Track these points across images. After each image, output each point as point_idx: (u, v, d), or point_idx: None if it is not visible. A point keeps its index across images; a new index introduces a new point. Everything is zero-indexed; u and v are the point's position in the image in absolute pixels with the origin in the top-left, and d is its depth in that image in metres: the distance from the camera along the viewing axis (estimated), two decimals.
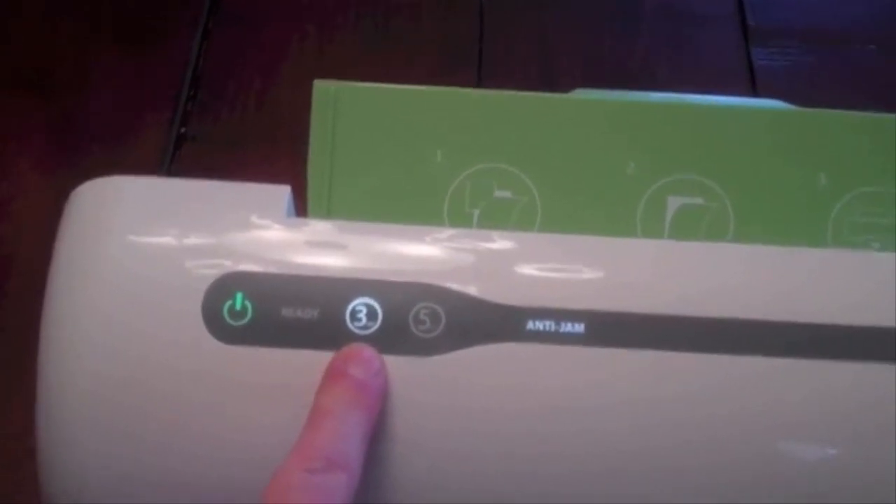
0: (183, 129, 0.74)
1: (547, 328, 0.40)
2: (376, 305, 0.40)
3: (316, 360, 0.40)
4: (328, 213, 0.45)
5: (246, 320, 0.40)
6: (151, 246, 0.41)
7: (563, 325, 0.40)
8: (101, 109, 0.75)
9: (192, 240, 0.41)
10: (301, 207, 0.45)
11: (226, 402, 0.40)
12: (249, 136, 0.74)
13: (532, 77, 0.74)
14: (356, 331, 0.40)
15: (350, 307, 0.40)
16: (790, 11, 0.77)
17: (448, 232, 0.43)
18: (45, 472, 0.40)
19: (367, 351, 0.39)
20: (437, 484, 0.39)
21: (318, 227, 0.42)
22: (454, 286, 0.40)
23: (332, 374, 0.39)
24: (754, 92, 0.72)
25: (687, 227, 0.45)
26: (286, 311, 0.40)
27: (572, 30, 0.77)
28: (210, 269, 0.40)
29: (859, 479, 0.39)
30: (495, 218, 0.45)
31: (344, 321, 0.40)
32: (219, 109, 0.75)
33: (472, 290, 0.40)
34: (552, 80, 0.73)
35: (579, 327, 0.40)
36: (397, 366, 0.39)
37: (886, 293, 0.41)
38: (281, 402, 0.40)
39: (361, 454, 0.37)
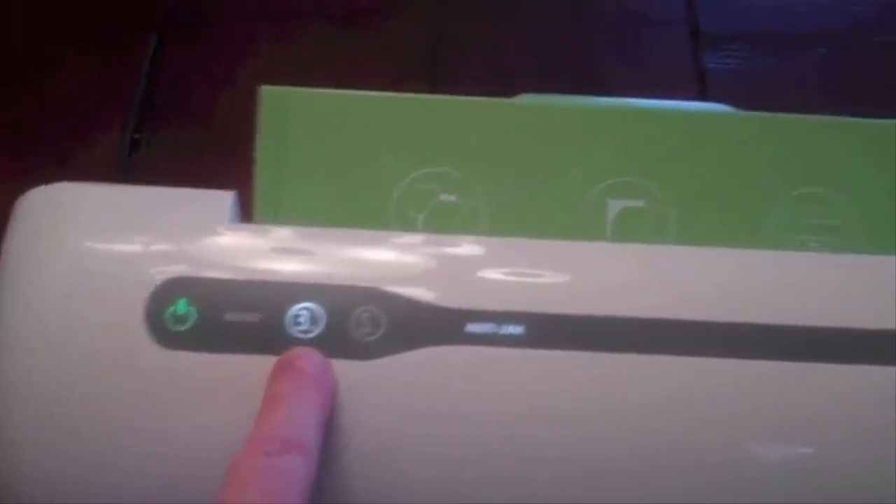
0: (137, 135, 0.74)
1: (487, 331, 0.40)
2: (318, 309, 0.40)
3: (258, 365, 0.40)
4: (275, 218, 0.45)
5: (189, 325, 0.40)
6: (95, 252, 0.41)
7: (502, 327, 0.40)
8: (55, 114, 0.75)
9: (136, 246, 0.41)
10: (249, 213, 0.45)
11: (170, 408, 0.40)
12: (204, 142, 0.74)
13: (485, 82, 0.75)
14: (298, 335, 0.40)
15: (291, 311, 0.40)
16: (740, 16, 0.78)
17: (392, 236, 0.43)
18: None
19: (311, 350, 0.40)
20: (380, 487, 0.39)
21: (261, 232, 0.42)
22: (395, 289, 0.41)
23: (281, 367, 0.39)
24: (704, 95, 0.73)
25: (629, 230, 0.45)
26: (229, 316, 0.40)
27: (525, 35, 0.77)
28: (153, 275, 0.41)
29: (806, 483, 0.40)
30: (441, 222, 0.45)
31: (285, 325, 0.40)
32: (173, 115, 0.75)
33: (412, 293, 0.40)
34: (505, 85, 0.73)
35: (519, 329, 0.40)
36: (339, 370, 0.40)
37: (823, 294, 0.42)
38: (224, 406, 0.40)
39: (318, 438, 0.37)
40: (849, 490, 0.40)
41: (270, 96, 0.46)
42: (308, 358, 0.39)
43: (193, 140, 0.74)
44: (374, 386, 0.40)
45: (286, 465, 0.36)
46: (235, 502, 0.35)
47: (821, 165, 0.46)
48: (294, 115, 0.46)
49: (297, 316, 0.40)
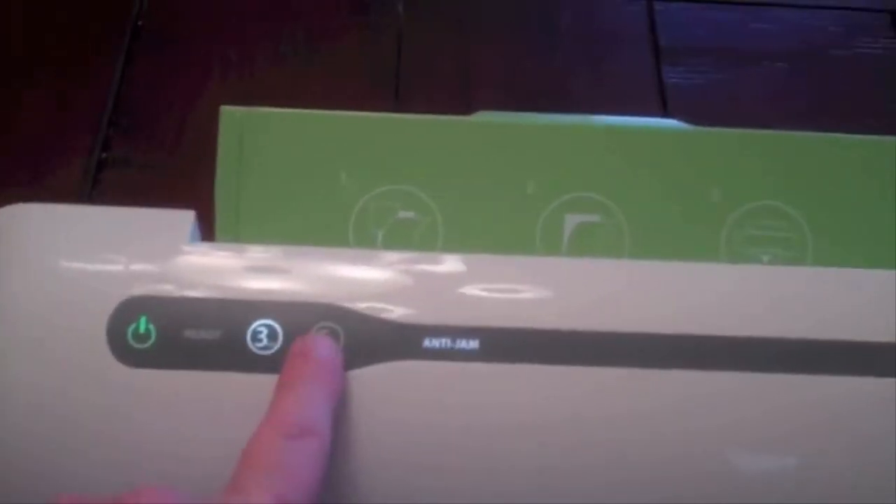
0: (104, 155, 0.74)
1: (443, 345, 0.41)
2: (276, 326, 0.41)
3: (220, 381, 0.40)
4: (236, 237, 0.46)
5: (150, 343, 0.41)
6: (57, 271, 0.42)
7: (458, 341, 0.41)
8: (21, 135, 0.75)
9: (97, 265, 0.42)
10: (210, 233, 0.46)
11: (132, 425, 0.40)
12: (172, 161, 0.74)
13: (450, 98, 0.75)
14: (258, 351, 0.41)
15: (251, 328, 0.41)
16: (701, 31, 0.79)
17: (350, 253, 0.44)
18: None
19: (322, 337, 0.41)
20: (338, 498, 0.40)
21: (220, 251, 0.43)
22: (353, 305, 0.41)
23: (293, 356, 0.40)
24: (665, 110, 0.74)
25: (584, 244, 0.46)
26: (189, 334, 0.41)
27: (490, 52, 0.78)
28: (114, 294, 0.41)
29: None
30: (399, 238, 0.46)
31: (245, 342, 0.41)
32: (141, 134, 0.75)
33: (370, 308, 0.41)
34: (470, 101, 0.74)
35: (474, 343, 0.41)
36: None
37: (774, 305, 0.43)
38: (185, 423, 0.40)
39: (330, 424, 0.38)
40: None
41: (230, 116, 0.47)
42: (320, 345, 0.40)
43: (160, 160, 0.75)
44: None
45: (305, 449, 0.37)
46: (256, 482, 0.35)
47: (773, 179, 0.47)
48: (253, 135, 0.47)
49: (256, 332, 0.41)
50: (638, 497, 0.40)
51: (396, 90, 0.77)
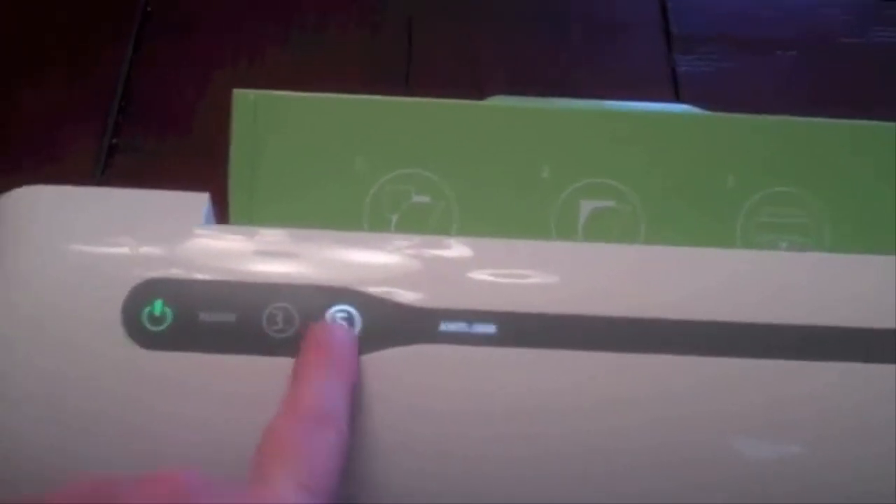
0: (114, 140, 0.74)
1: (460, 329, 0.41)
2: (292, 309, 0.41)
3: (234, 365, 0.40)
4: (250, 220, 0.46)
5: (165, 326, 0.41)
6: (72, 253, 0.42)
7: (475, 326, 0.41)
8: (32, 121, 0.75)
9: (112, 247, 0.42)
10: (224, 215, 0.46)
11: (147, 407, 0.40)
12: (181, 147, 0.74)
13: (460, 86, 0.75)
14: (274, 335, 0.40)
15: (267, 311, 0.41)
16: (712, 18, 0.79)
17: (366, 236, 0.43)
18: None
19: (338, 326, 0.40)
20: (354, 485, 0.40)
21: (235, 233, 0.43)
22: (369, 289, 0.41)
23: (309, 344, 0.40)
24: (676, 98, 0.73)
25: (599, 230, 0.46)
26: (204, 317, 0.41)
27: (500, 39, 0.78)
28: (129, 276, 0.41)
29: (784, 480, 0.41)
30: (414, 222, 0.46)
31: (261, 325, 0.40)
32: (150, 120, 0.75)
33: (386, 292, 0.41)
34: (480, 88, 0.74)
35: (491, 328, 0.41)
36: None
37: (790, 292, 0.42)
38: (201, 405, 0.40)
39: (348, 414, 0.38)
40: (845, 488, 0.40)
41: (243, 100, 0.47)
42: (336, 333, 0.40)
43: (171, 145, 0.74)
44: None
45: (325, 436, 0.37)
46: (279, 470, 0.35)
47: (789, 165, 0.47)
48: (267, 118, 0.47)
49: (272, 316, 0.41)
50: (658, 483, 0.40)
51: (406, 77, 0.77)
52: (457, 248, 0.43)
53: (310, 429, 0.37)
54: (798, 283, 0.43)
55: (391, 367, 0.40)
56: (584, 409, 0.40)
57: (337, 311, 0.41)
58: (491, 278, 0.42)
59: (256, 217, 0.46)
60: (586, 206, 0.46)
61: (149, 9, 0.81)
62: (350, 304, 0.41)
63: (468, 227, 0.46)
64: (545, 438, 0.40)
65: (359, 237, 0.43)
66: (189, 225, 0.42)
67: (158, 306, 0.41)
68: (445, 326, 0.40)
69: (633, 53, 0.77)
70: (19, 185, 0.44)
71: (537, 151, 0.47)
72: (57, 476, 0.40)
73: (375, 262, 0.42)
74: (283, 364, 0.40)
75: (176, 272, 0.41)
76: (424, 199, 0.46)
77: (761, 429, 0.40)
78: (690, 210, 0.46)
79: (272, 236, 0.43)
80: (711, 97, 0.70)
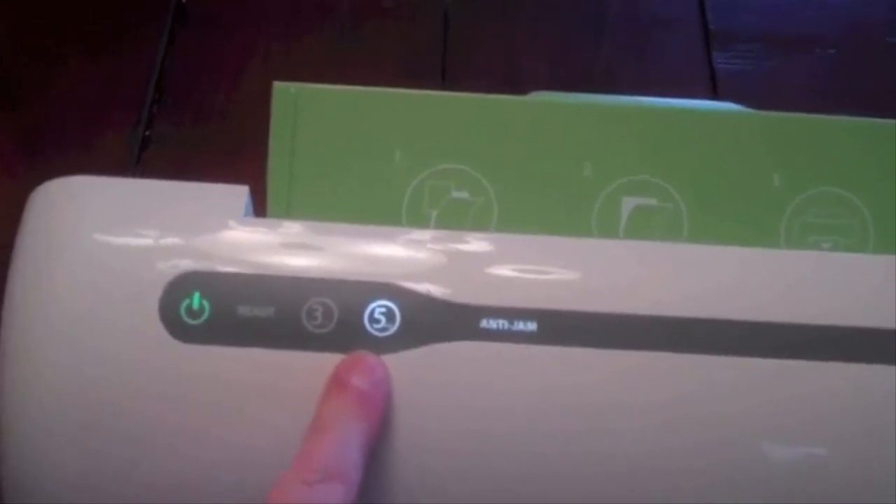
0: (148, 132, 0.74)
1: (500, 327, 0.40)
2: (331, 304, 0.40)
3: (272, 359, 0.40)
4: (287, 214, 0.45)
5: (203, 319, 0.40)
6: (110, 245, 0.41)
7: (515, 323, 0.40)
8: (66, 113, 0.75)
9: (151, 239, 0.42)
10: (261, 208, 0.45)
11: (184, 400, 0.40)
12: (214, 139, 0.74)
13: (496, 81, 0.75)
14: (312, 329, 0.40)
15: (306, 306, 0.40)
16: (751, 16, 0.78)
17: (405, 232, 0.43)
18: (6, 468, 0.40)
19: (371, 359, 0.40)
20: (393, 482, 0.40)
21: (275, 227, 0.42)
22: (409, 285, 0.41)
23: (335, 385, 0.39)
24: (715, 95, 0.73)
25: (642, 228, 0.45)
26: (243, 310, 0.40)
27: (536, 35, 0.77)
28: (168, 269, 0.41)
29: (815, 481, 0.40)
30: (452, 218, 0.46)
31: (300, 320, 0.40)
32: (184, 113, 0.75)
33: (427, 288, 0.41)
34: (516, 84, 0.73)
35: (532, 325, 0.40)
36: None
37: (835, 293, 0.42)
38: (237, 399, 0.40)
39: (360, 465, 0.37)
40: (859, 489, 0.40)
41: (283, 93, 0.46)
42: (364, 371, 0.39)
43: (204, 138, 0.74)
44: None
45: (325, 494, 0.36)
46: None
47: (834, 165, 0.46)
48: (306, 112, 0.46)
49: (311, 310, 0.40)
50: (706, 482, 0.39)
51: (443, 73, 0.76)
52: (497, 245, 0.42)
53: (311, 486, 0.36)
54: (842, 284, 0.42)
55: (430, 363, 0.40)
56: (625, 408, 0.40)
57: (376, 307, 0.40)
58: (532, 276, 0.41)
59: (295, 210, 0.45)
60: (628, 204, 0.46)
61: (183, 1, 0.81)
62: (390, 299, 0.40)
63: (507, 223, 0.45)
64: (585, 437, 0.39)
65: (399, 232, 0.43)
66: (228, 218, 0.42)
67: (197, 299, 0.40)
68: (486, 323, 0.40)
69: (670, 51, 0.77)
70: (53, 176, 0.44)
71: (579, 148, 0.46)
72: (93, 466, 0.40)
73: (415, 257, 0.42)
74: (321, 359, 0.40)
75: (214, 265, 0.41)
76: (464, 194, 0.46)
77: (818, 430, 0.40)
78: (734, 209, 0.46)
79: (311, 230, 0.42)
80: (750, 95, 0.69)
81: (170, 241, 0.41)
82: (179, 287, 0.40)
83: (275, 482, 0.36)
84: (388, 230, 0.43)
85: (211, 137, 0.74)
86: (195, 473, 0.40)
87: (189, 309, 0.40)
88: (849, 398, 0.40)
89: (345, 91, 0.47)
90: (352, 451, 0.37)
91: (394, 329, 0.40)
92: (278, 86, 0.46)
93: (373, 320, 0.40)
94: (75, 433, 0.40)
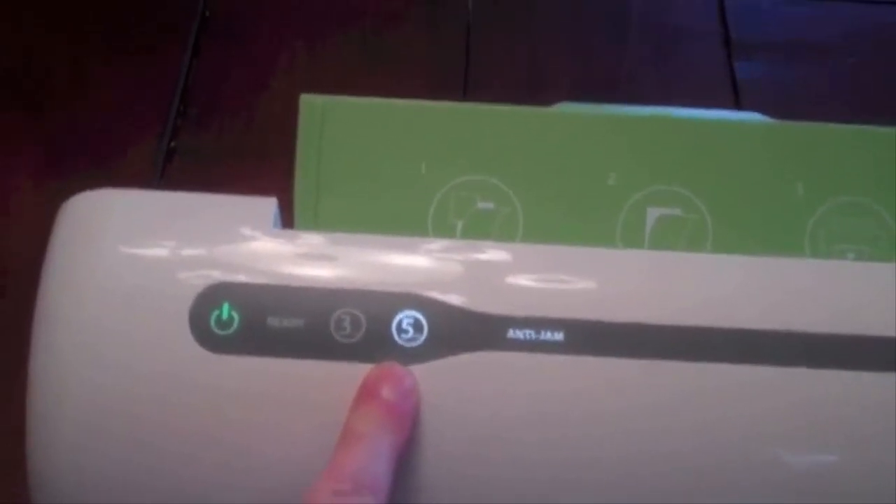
0: (173, 144, 0.74)
1: (527, 336, 0.40)
2: (360, 315, 0.41)
3: (301, 369, 0.40)
4: (315, 225, 0.46)
5: (232, 330, 0.41)
6: (140, 257, 0.42)
7: (543, 333, 0.40)
8: (91, 124, 0.75)
9: (180, 251, 0.42)
10: (288, 219, 0.46)
11: (213, 410, 0.40)
12: (239, 150, 0.74)
13: (519, 92, 0.75)
14: (341, 340, 0.40)
15: (334, 317, 0.41)
16: (772, 26, 0.78)
17: (432, 242, 0.43)
18: (35, 477, 0.41)
19: (400, 370, 0.40)
20: (421, 489, 0.40)
21: (303, 239, 0.43)
22: (436, 295, 0.41)
23: (364, 396, 0.39)
24: (737, 105, 0.73)
25: (666, 238, 0.46)
26: (272, 321, 0.41)
27: (559, 46, 0.78)
28: (197, 280, 0.41)
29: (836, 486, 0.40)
30: (478, 229, 0.46)
31: (328, 330, 0.40)
32: (208, 124, 0.76)
33: (454, 299, 0.41)
34: (539, 95, 0.74)
35: (559, 335, 0.40)
36: None
37: (870, 303, 0.42)
38: (267, 409, 0.40)
39: (390, 476, 0.38)
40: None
41: (310, 105, 0.47)
42: (393, 382, 0.39)
43: (228, 149, 0.75)
44: None
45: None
46: None
47: (858, 175, 0.46)
48: (333, 124, 0.47)
49: (340, 321, 0.41)
50: (729, 487, 0.39)
51: (465, 83, 0.77)
52: (523, 255, 0.43)
53: (342, 497, 0.36)
54: (867, 293, 0.42)
55: (457, 373, 0.40)
56: (652, 418, 0.40)
57: (404, 317, 0.41)
58: (558, 286, 0.42)
59: (322, 222, 0.46)
60: (653, 214, 0.46)
61: (206, 13, 0.82)
62: (417, 310, 0.41)
63: (533, 234, 0.46)
64: (613, 447, 0.40)
65: (425, 243, 0.43)
66: (258, 229, 0.42)
67: (226, 310, 0.41)
68: (513, 333, 0.40)
69: (693, 60, 0.77)
70: (78, 188, 0.45)
71: (604, 158, 0.46)
72: (123, 475, 0.40)
73: (442, 268, 0.42)
74: (350, 369, 0.40)
75: (244, 276, 0.41)
76: (489, 205, 0.46)
77: (846, 440, 0.40)
78: (758, 219, 0.46)
79: (339, 241, 0.43)
80: (771, 104, 0.70)
81: (199, 252, 0.42)
82: (209, 298, 0.41)
83: (305, 493, 0.36)
84: (415, 241, 0.43)
85: (234, 148, 0.75)
86: (225, 484, 0.40)
87: (219, 320, 0.41)
88: (889, 409, 0.40)
89: (371, 103, 0.47)
90: (382, 462, 0.38)
91: (421, 339, 0.40)
92: (305, 98, 0.47)
93: (401, 331, 0.40)
94: (105, 445, 0.40)
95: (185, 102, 0.77)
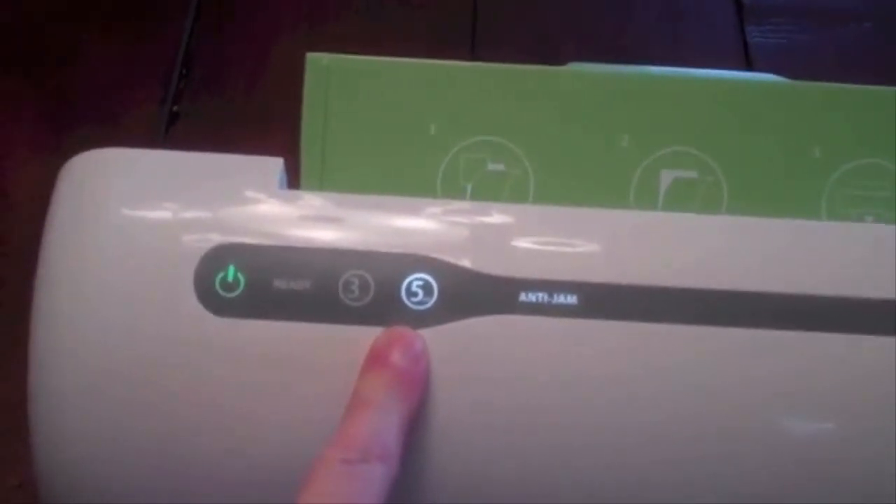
0: (175, 107, 0.73)
1: (540, 300, 0.39)
2: (368, 277, 0.40)
3: (308, 332, 0.39)
4: (321, 186, 0.45)
5: (238, 292, 0.40)
6: (144, 218, 0.41)
7: (555, 296, 0.39)
8: (92, 88, 0.75)
9: (185, 212, 0.41)
10: (294, 181, 0.45)
11: (218, 374, 0.40)
12: (241, 114, 0.73)
13: (526, 54, 0.74)
14: (349, 302, 0.40)
15: (342, 279, 0.40)
16: None
17: (441, 204, 0.42)
18: (38, 441, 0.40)
19: (410, 334, 0.39)
20: (432, 455, 0.39)
21: (310, 200, 0.42)
22: (447, 258, 0.40)
23: (373, 361, 0.39)
24: (749, 69, 0.72)
25: (680, 200, 0.45)
26: (278, 283, 0.40)
27: (567, 7, 0.77)
28: (202, 241, 0.40)
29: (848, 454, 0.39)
30: (488, 190, 0.45)
31: (336, 293, 0.40)
32: (211, 87, 0.75)
33: (464, 261, 0.40)
34: (546, 57, 0.72)
35: (572, 299, 0.39)
36: None
37: (878, 265, 0.41)
38: (273, 373, 0.39)
39: (400, 444, 0.37)
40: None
41: (316, 64, 0.46)
42: (403, 347, 0.39)
43: (231, 113, 0.74)
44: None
45: (365, 474, 0.36)
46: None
47: (876, 136, 0.45)
48: (340, 83, 0.46)
49: (348, 283, 0.40)
50: (738, 451, 0.39)
51: (472, 46, 0.75)
52: (535, 217, 0.42)
53: (350, 465, 0.36)
54: (885, 256, 0.41)
55: (468, 337, 0.39)
56: (665, 382, 0.39)
57: (414, 280, 0.40)
58: (571, 248, 0.41)
59: (328, 183, 0.45)
60: (667, 176, 0.45)
61: None
62: (427, 272, 0.40)
63: (544, 196, 0.45)
64: (626, 411, 0.39)
65: (435, 204, 0.42)
66: (263, 190, 0.41)
67: (232, 272, 0.40)
68: (525, 297, 0.39)
69: (703, 24, 0.76)
70: (79, 151, 0.44)
71: (616, 119, 0.45)
72: (127, 438, 0.39)
73: (453, 230, 0.41)
74: (358, 332, 0.39)
75: (249, 238, 0.40)
76: (500, 167, 0.45)
77: (866, 405, 0.39)
78: (774, 181, 0.45)
79: (347, 203, 0.42)
80: (784, 68, 0.68)
81: (204, 213, 0.41)
82: (214, 260, 0.40)
83: (313, 460, 0.36)
84: (425, 202, 0.42)
85: (237, 112, 0.74)
86: (230, 448, 0.40)
87: (224, 282, 0.40)
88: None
89: (379, 62, 0.46)
90: (392, 430, 0.37)
91: (431, 302, 0.40)
92: (311, 57, 0.46)
93: (410, 293, 0.40)
94: (109, 408, 0.40)
95: (187, 66, 0.76)
